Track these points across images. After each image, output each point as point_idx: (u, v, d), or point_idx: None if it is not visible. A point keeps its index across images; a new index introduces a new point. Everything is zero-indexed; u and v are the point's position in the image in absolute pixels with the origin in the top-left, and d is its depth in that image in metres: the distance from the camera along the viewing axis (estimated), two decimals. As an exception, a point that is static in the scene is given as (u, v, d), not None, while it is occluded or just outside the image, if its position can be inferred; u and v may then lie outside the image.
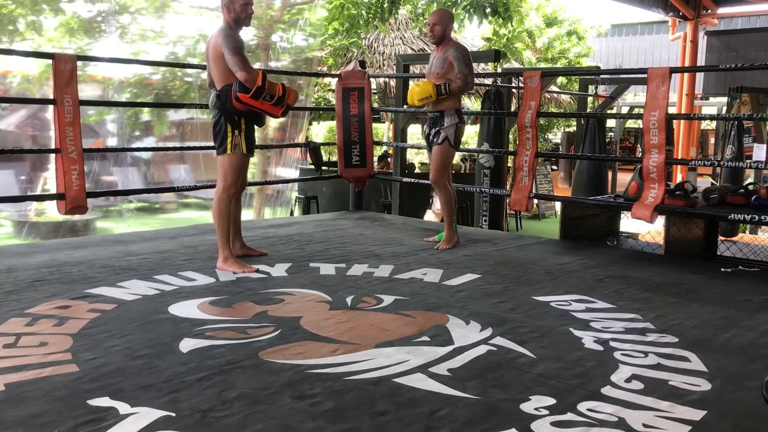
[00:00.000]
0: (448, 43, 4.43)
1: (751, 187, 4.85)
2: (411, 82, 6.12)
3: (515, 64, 13.59)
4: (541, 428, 1.97)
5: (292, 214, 9.34)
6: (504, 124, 7.01)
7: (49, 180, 8.39)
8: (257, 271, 3.77)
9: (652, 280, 3.88)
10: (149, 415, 1.98)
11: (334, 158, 6.69)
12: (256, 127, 3.99)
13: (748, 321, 3.11)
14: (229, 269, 3.77)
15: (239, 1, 3.78)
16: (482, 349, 2.62)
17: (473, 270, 3.97)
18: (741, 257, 4.96)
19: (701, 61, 12.60)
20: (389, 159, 9.83)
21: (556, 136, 17.13)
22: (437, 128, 4.49)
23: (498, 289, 3.58)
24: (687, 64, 11.78)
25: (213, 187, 4.18)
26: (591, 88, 9.71)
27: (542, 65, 15.47)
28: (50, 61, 4.25)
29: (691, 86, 11.90)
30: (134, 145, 9.47)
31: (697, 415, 2.08)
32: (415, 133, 15.07)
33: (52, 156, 4.90)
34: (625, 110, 13.55)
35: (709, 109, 14.34)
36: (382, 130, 14.27)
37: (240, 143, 3.79)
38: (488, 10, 9.40)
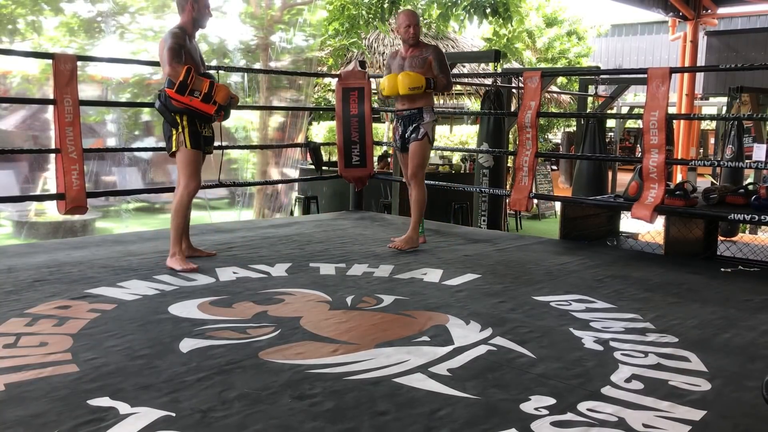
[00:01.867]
0: (423, 43, 4.51)
1: (751, 187, 4.85)
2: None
3: (515, 64, 13.59)
4: (541, 428, 1.97)
5: (292, 214, 9.34)
6: (504, 124, 7.01)
7: (49, 180, 8.38)
8: (197, 269, 3.76)
9: (652, 280, 3.88)
10: (149, 415, 1.97)
11: (334, 158, 6.69)
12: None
13: (748, 321, 3.11)
14: (174, 266, 3.80)
15: (204, 3, 3.83)
16: (482, 349, 2.62)
17: (473, 270, 3.97)
18: (741, 257, 4.96)
19: (701, 61, 12.60)
20: (389, 159, 9.83)
21: (556, 136, 17.14)
22: (416, 124, 4.49)
23: (498, 289, 3.58)
24: (687, 64, 11.78)
25: (212, 187, 4.18)
26: (591, 88, 9.71)
27: (542, 65, 15.48)
28: (50, 61, 4.25)
29: (691, 86, 11.90)
30: (134, 145, 9.46)
31: (697, 415, 2.08)
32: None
33: (52, 156, 4.89)
34: (625, 110, 13.55)
35: (709, 109, 14.34)
36: (382, 130, 14.27)
37: (183, 140, 3.79)
38: (488, 10, 9.40)
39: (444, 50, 11.57)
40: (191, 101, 3.68)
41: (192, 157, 3.84)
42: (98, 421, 1.93)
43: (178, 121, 3.78)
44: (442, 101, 13.13)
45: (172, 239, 3.87)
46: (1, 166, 9.12)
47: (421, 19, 4.51)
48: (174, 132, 3.79)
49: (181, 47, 3.72)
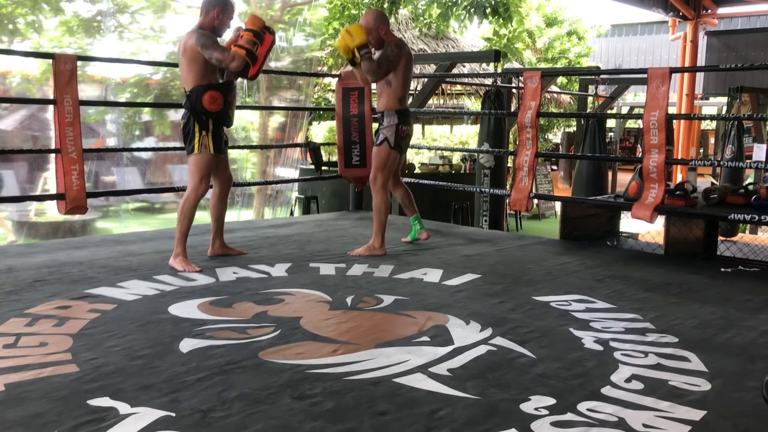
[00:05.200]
0: (387, 41, 4.28)
1: (751, 187, 4.84)
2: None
3: (516, 64, 13.59)
4: (541, 428, 1.97)
5: (292, 214, 9.34)
6: (504, 124, 7.00)
7: (49, 180, 8.38)
8: (200, 271, 3.75)
9: (652, 280, 3.88)
10: (149, 415, 1.97)
11: (334, 158, 6.69)
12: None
13: (748, 321, 3.11)
14: (176, 266, 3.79)
15: (229, 15, 3.83)
16: (482, 349, 2.61)
17: (473, 270, 3.97)
18: (741, 257, 4.96)
19: (701, 61, 12.59)
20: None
21: (556, 136, 17.12)
22: (378, 129, 4.45)
23: (498, 289, 3.58)
24: (687, 64, 11.78)
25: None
26: (591, 88, 9.71)
27: (542, 65, 15.47)
28: (50, 61, 4.25)
29: (691, 86, 11.90)
30: (134, 145, 9.46)
31: (697, 415, 2.08)
32: (415, 133, 15.06)
33: (52, 156, 4.90)
34: (625, 110, 13.55)
35: (709, 109, 14.34)
36: (382, 130, 14.21)
37: (207, 143, 3.80)
38: (488, 10, 9.40)
39: (444, 50, 11.62)
40: (259, 55, 3.74)
41: (210, 161, 3.86)
42: (98, 421, 1.93)
43: (205, 123, 3.79)
44: (442, 101, 13.13)
45: (177, 240, 3.87)
46: (1, 166, 9.12)
47: (382, 19, 4.30)
48: (198, 134, 3.79)
49: (217, 41, 3.75)
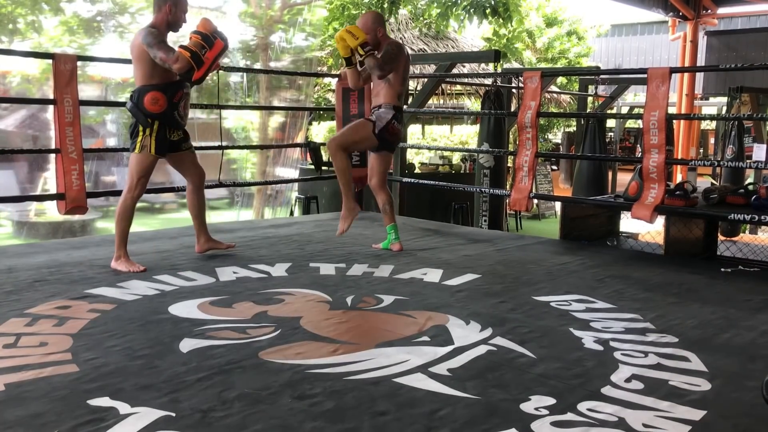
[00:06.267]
0: (384, 43, 4.30)
1: (751, 187, 4.85)
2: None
3: (515, 65, 13.59)
4: (541, 428, 1.97)
5: (292, 214, 9.34)
6: (504, 124, 7.00)
7: (49, 180, 8.38)
8: (144, 270, 3.72)
9: (652, 280, 3.88)
10: (149, 415, 1.97)
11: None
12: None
13: (748, 321, 3.11)
14: (119, 268, 3.74)
15: (183, 9, 3.77)
16: (482, 349, 2.61)
17: (473, 270, 3.97)
18: (741, 257, 4.96)
19: (701, 61, 12.60)
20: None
21: (556, 136, 17.13)
22: (373, 110, 4.41)
23: (498, 289, 3.58)
24: (687, 64, 11.78)
25: (214, 187, 4.18)
26: (591, 88, 9.71)
27: (542, 65, 15.47)
28: (50, 61, 4.25)
29: (691, 86, 11.90)
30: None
31: (697, 415, 2.08)
32: (414, 133, 15.06)
33: (52, 156, 4.90)
34: (625, 110, 13.55)
35: (709, 109, 14.33)
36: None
37: (149, 144, 3.74)
38: (488, 10, 9.41)
39: (444, 50, 11.62)
40: (212, 58, 3.66)
41: (149, 163, 3.78)
42: (98, 421, 1.93)
43: (149, 123, 3.73)
44: (441, 101, 13.13)
45: (117, 243, 3.80)
46: (1, 166, 9.12)
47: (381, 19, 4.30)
48: (141, 134, 3.73)
49: (165, 41, 3.67)
